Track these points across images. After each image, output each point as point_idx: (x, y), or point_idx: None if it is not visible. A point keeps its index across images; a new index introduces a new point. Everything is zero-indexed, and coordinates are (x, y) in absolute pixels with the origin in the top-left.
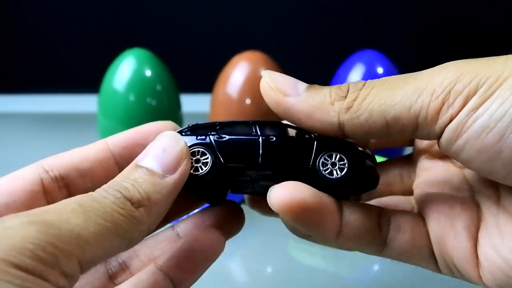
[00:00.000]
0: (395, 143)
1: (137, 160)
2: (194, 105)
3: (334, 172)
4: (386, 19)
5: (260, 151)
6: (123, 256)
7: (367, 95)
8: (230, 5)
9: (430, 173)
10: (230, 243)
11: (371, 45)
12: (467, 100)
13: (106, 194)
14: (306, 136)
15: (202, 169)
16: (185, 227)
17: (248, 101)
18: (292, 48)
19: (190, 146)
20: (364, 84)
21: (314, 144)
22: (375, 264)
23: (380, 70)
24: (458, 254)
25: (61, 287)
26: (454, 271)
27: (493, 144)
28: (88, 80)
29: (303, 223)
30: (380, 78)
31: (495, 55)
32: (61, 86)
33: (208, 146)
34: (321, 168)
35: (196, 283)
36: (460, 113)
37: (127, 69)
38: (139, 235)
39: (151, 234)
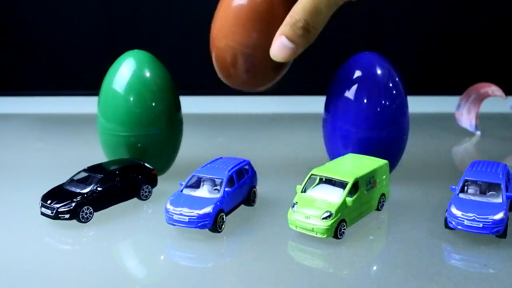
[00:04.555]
0: None
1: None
2: (193, 106)
3: None
4: (385, 22)
5: None
6: None
7: None
8: None
9: None
10: (229, 244)
11: (371, 47)
12: None
13: None
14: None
15: None
16: None
17: None
18: None
19: None
20: None
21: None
22: (374, 265)
23: (379, 71)
24: None
25: None
26: None
27: None
28: (88, 81)
29: None
30: None
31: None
32: (61, 87)
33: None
34: None
35: (195, 282)
36: None
37: (126, 71)
38: None
39: None
